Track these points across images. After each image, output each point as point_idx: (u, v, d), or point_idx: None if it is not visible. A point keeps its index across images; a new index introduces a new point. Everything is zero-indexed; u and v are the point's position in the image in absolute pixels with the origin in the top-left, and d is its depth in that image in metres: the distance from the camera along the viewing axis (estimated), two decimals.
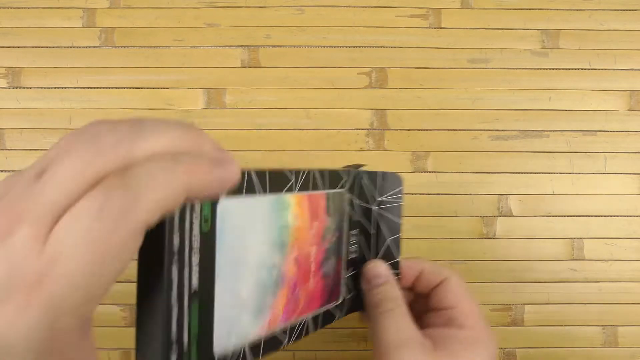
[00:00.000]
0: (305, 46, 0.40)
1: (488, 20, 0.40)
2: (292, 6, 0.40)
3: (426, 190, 0.39)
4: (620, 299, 0.39)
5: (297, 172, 0.22)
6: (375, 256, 0.29)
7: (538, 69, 0.40)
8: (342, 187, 0.26)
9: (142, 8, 0.39)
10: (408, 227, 0.39)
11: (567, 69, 0.40)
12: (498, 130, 0.39)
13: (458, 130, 0.39)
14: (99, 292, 0.14)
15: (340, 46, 0.40)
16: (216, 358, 0.18)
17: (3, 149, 0.39)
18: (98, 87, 0.39)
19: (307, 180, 0.23)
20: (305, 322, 0.25)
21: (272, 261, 0.22)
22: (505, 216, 0.39)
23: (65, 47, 0.39)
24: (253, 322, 0.21)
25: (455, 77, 0.40)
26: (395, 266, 0.29)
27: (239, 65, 0.39)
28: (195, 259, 0.17)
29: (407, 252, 0.38)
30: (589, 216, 0.39)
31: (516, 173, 0.39)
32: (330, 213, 0.26)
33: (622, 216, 0.39)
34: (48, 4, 0.39)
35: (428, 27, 0.40)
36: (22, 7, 0.39)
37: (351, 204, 0.27)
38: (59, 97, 0.39)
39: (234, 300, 0.19)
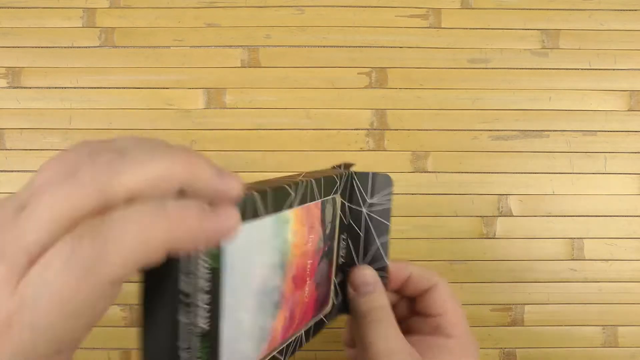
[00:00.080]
0: (305, 46, 0.40)
1: (488, 20, 0.40)
2: (292, 6, 0.40)
3: (426, 190, 0.39)
4: (620, 299, 0.39)
5: (295, 185, 0.21)
6: (364, 259, 0.29)
7: (538, 69, 0.40)
8: (335, 192, 0.26)
9: (142, 8, 0.39)
10: (408, 227, 0.39)
11: (567, 69, 0.40)
12: (498, 130, 0.39)
13: (458, 130, 0.39)
14: (70, 344, 0.13)
15: (340, 46, 0.40)
16: None
17: (3, 149, 0.39)
18: (98, 87, 0.39)
19: (305, 192, 0.22)
20: (299, 336, 0.24)
21: (273, 283, 0.21)
22: (505, 216, 0.39)
23: (65, 47, 0.39)
24: (255, 349, 0.20)
25: (455, 77, 0.40)
26: (383, 269, 0.28)
27: (239, 65, 0.39)
28: (204, 300, 0.16)
29: (407, 252, 0.39)
30: (589, 216, 0.39)
31: (516, 173, 0.39)
32: (324, 221, 0.25)
33: (622, 216, 0.39)
34: (48, 4, 0.39)
35: (428, 27, 0.40)
36: (22, 7, 0.39)
37: (342, 207, 0.27)
38: (59, 97, 0.39)
39: (238, 333, 0.19)
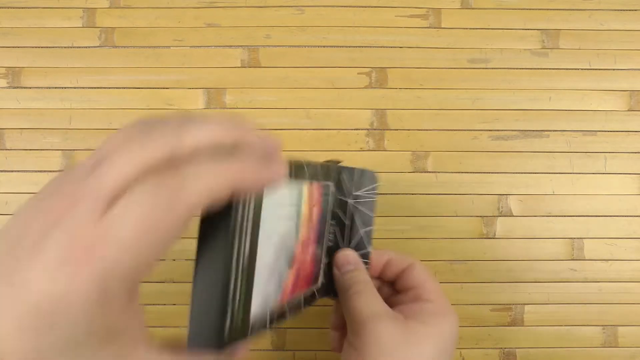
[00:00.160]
0: (305, 46, 0.40)
1: (488, 20, 0.40)
2: (292, 6, 0.40)
3: (426, 190, 0.39)
4: (620, 299, 0.39)
5: (307, 164, 0.25)
6: (348, 245, 0.31)
7: (538, 69, 0.40)
8: (331, 179, 0.29)
9: (142, 8, 0.39)
10: (408, 227, 0.39)
11: (567, 69, 0.40)
12: (498, 130, 0.39)
13: (458, 130, 0.39)
14: (146, 261, 0.15)
15: (340, 46, 0.40)
16: (251, 322, 0.21)
17: (3, 149, 0.39)
18: (98, 87, 0.39)
19: (314, 173, 0.26)
20: (300, 300, 0.27)
21: (290, 243, 0.24)
22: (505, 216, 0.39)
23: (65, 47, 0.39)
24: (274, 293, 0.23)
25: (455, 77, 0.40)
26: (365, 256, 0.31)
27: (239, 65, 0.39)
28: (247, 240, 0.19)
29: (407, 252, 0.39)
30: (589, 216, 0.39)
31: (516, 173, 0.39)
32: (322, 203, 0.28)
33: (622, 216, 0.39)
34: (48, 4, 0.39)
35: (428, 27, 0.40)
36: (22, 7, 0.39)
37: (333, 196, 0.30)
38: (59, 97, 0.39)
39: (265, 276, 0.22)
